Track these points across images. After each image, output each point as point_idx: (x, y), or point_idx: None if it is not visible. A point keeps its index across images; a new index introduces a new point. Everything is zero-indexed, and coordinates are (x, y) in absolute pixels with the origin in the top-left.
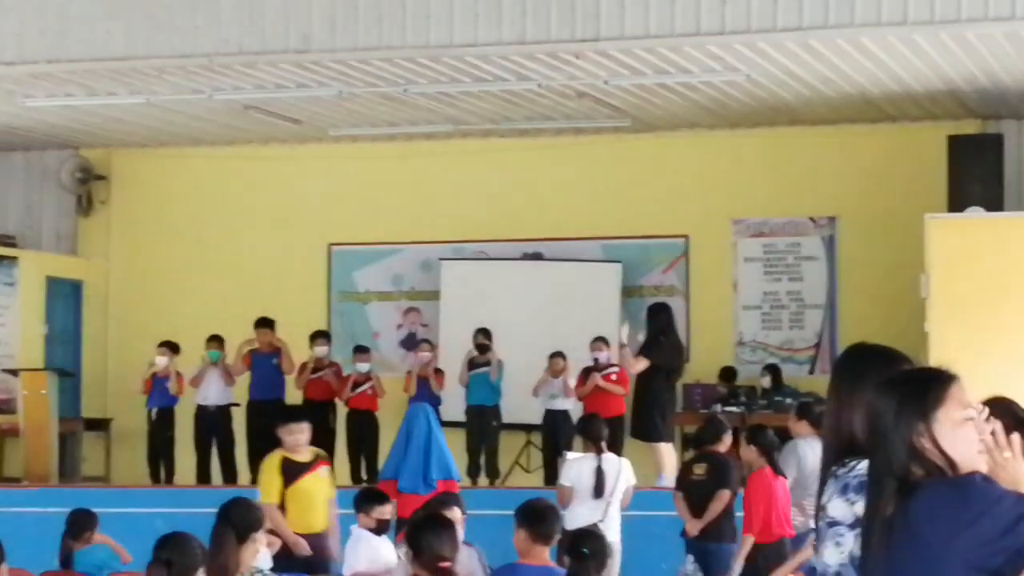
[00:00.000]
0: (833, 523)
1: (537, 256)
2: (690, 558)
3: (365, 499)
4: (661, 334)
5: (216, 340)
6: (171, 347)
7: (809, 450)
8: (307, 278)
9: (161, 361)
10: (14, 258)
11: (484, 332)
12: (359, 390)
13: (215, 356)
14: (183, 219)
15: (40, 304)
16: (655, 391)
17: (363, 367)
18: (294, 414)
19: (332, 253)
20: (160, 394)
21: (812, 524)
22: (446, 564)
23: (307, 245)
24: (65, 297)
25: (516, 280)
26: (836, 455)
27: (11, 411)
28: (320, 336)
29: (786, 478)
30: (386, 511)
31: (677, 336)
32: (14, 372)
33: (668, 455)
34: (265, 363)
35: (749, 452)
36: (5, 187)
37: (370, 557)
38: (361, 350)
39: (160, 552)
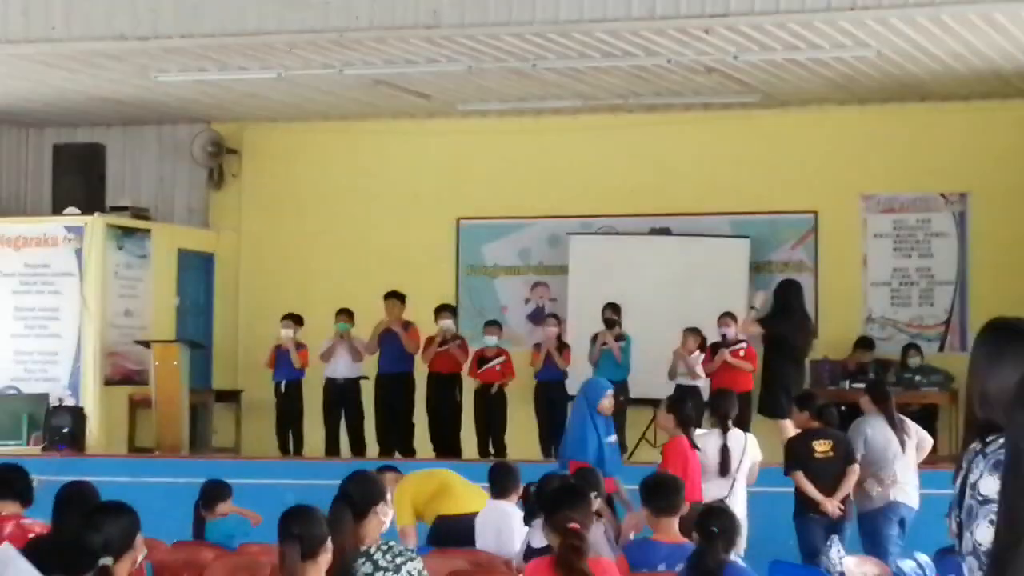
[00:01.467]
0: (986, 500)
1: (665, 231)
2: (835, 538)
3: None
4: (786, 309)
5: (346, 313)
6: (295, 319)
7: (874, 427)
8: (436, 252)
9: (285, 333)
10: (147, 231)
11: (612, 307)
12: (488, 365)
13: (344, 327)
14: (313, 193)
15: (172, 276)
16: (781, 367)
17: (492, 341)
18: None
19: (460, 227)
20: (288, 366)
21: (891, 496)
22: (575, 526)
23: (435, 219)
24: (196, 270)
25: (644, 255)
26: (978, 432)
27: (143, 382)
28: (445, 309)
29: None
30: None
31: (805, 312)
32: (146, 344)
33: (794, 431)
34: (394, 337)
35: (667, 420)
36: (138, 161)
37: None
38: (492, 324)
39: (289, 526)
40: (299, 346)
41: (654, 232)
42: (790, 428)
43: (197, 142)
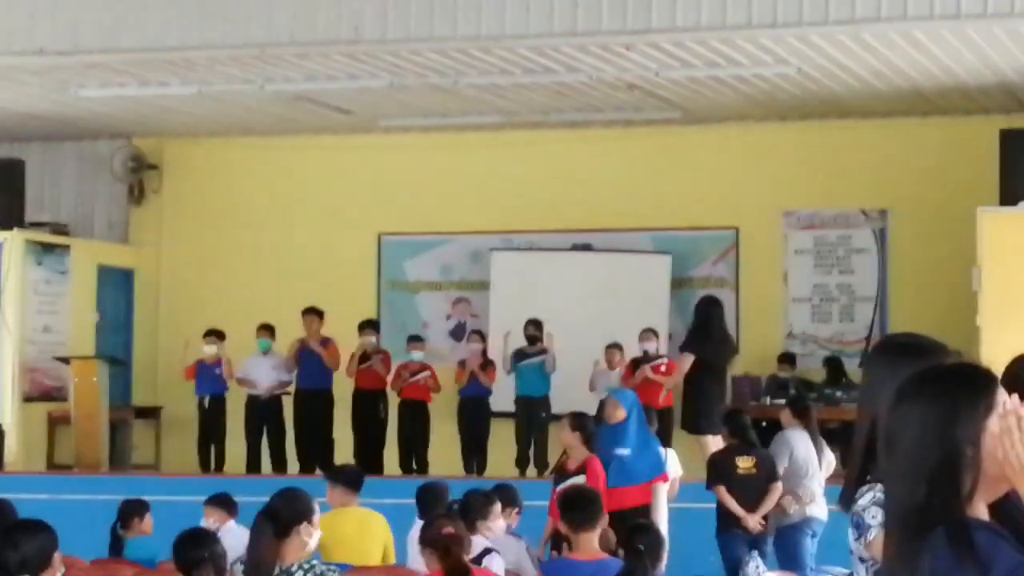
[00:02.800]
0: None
1: (587, 247)
2: (754, 553)
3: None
4: (706, 326)
5: (266, 329)
6: (218, 335)
7: (797, 442)
8: (357, 268)
9: (209, 349)
10: (66, 247)
11: (535, 323)
12: (413, 379)
13: (264, 345)
14: (234, 208)
15: (92, 292)
16: (703, 383)
17: (417, 356)
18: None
19: (382, 243)
20: (211, 381)
21: (807, 512)
22: (449, 530)
23: (357, 235)
24: (116, 285)
25: (566, 271)
26: (859, 469)
27: (62, 399)
28: (367, 325)
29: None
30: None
31: (725, 329)
32: (66, 360)
33: (715, 447)
34: (313, 354)
35: (573, 438)
36: (58, 176)
37: None
38: (415, 339)
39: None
40: (218, 364)
41: (576, 248)
42: (711, 444)
43: (117, 157)
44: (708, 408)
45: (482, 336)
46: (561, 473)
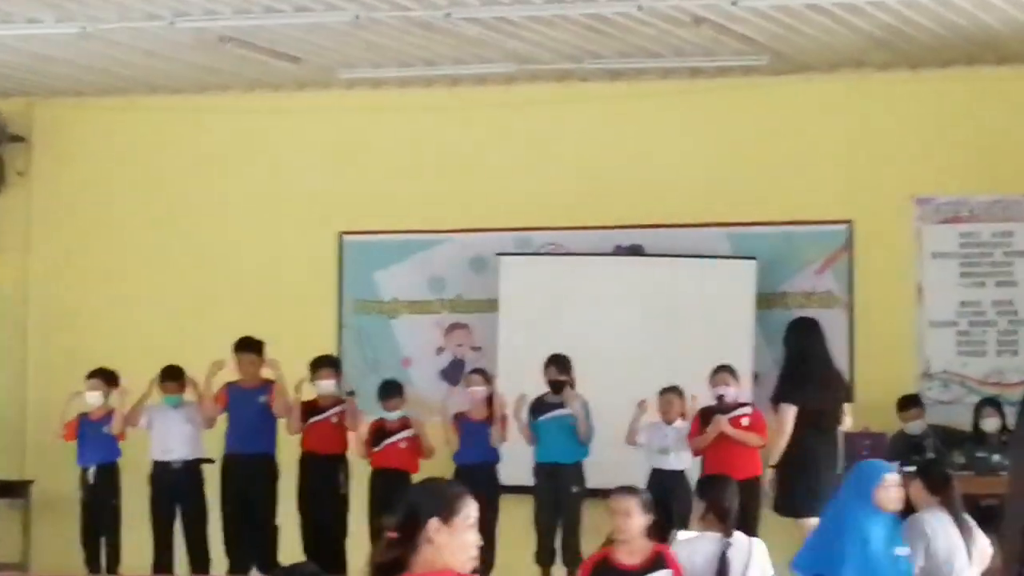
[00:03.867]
0: None
1: (636, 251)
2: None
3: None
4: (799, 360)
5: (173, 377)
6: (106, 377)
7: (935, 528)
8: (309, 281)
9: (94, 398)
10: None
11: (560, 362)
12: (389, 441)
13: (173, 402)
14: (134, 198)
15: None
16: (803, 445)
17: (393, 415)
18: None
19: (344, 245)
20: (97, 444)
21: None
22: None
23: (309, 234)
24: None
25: (605, 285)
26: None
27: None
28: (324, 365)
29: None
30: None
31: (828, 361)
32: None
33: None
34: (249, 402)
35: (636, 523)
36: None
37: None
38: (390, 391)
39: None
40: (105, 418)
41: (620, 252)
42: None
43: None
44: (812, 480)
45: (486, 376)
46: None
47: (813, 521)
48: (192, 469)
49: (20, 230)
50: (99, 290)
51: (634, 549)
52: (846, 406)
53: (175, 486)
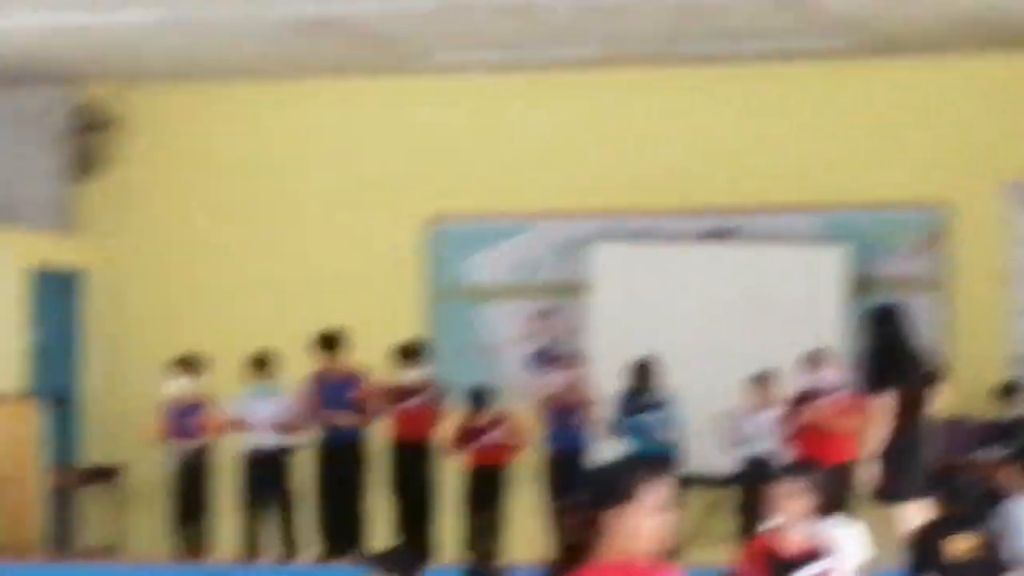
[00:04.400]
0: None
1: (727, 236)
2: None
3: None
4: (891, 348)
5: (261, 364)
6: (189, 365)
7: None
8: (397, 267)
9: (176, 385)
10: None
11: (643, 369)
12: (483, 440)
13: (261, 389)
14: (225, 182)
15: (21, 304)
16: (901, 430)
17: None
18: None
19: (433, 231)
20: (185, 432)
21: None
22: None
23: (395, 220)
24: (57, 294)
25: (697, 270)
26: None
27: None
28: (410, 354)
29: None
30: None
31: (918, 350)
32: None
33: (917, 521)
34: (337, 392)
35: (801, 504)
36: None
37: None
38: (479, 397)
39: None
40: (196, 407)
41: (712, 236)
42: (912, 515)
43: (55, 113)
44: (907, 464)
45: (577, 361)
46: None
47: (909, 506)
48: (281, 456)
49: (111, 217)
50: (190, 274)
51: (794, 536)
52: (936, 389)
53: (265, 473)
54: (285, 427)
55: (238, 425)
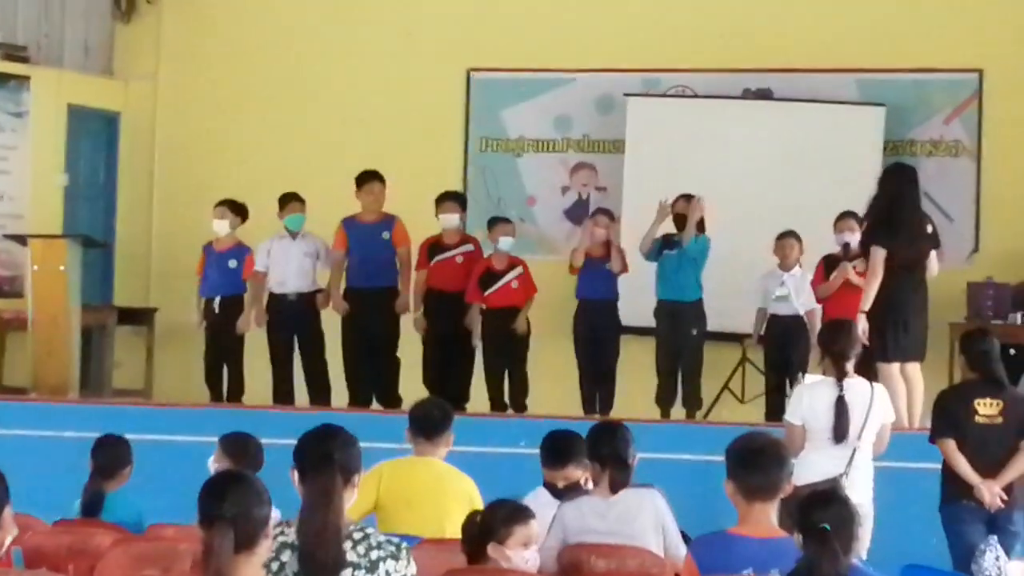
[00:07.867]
0: None
1: (764, 94)
2: (992, 539)
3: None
4: (895, 209)
5: (294, 200)
6: (233, 208)
7: None
8: (436, 118)
9: (220, 227)
10: (25, 78)
11: (687, 199)
12: (500, 283)
13: (295, 222)
14: (264, 28)
15: (59, 144)
16: (893, 289)
17: (505, 244)
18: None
19: (472, 82)
20: (221, 275)
21: None
22: None
23: (437, 71)
24: (95, 135)
25: (733, 128)
26: None
27: (16, 294)
28: (449, 199)
29: None
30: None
31: (919, 213)
32: (21, 239)
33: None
34: (371, 236)
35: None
36: None
37: None
38: (500, 221)
39: (217, 504)
40: (240, 249)
41: (748, 95)
42: (908, 376)
43: None
44: (900, 326)
45: (611, 216)
46: None
47: (895, 367)
48: (308, 301)
49: (149, 58)
50: (227, 121)
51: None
52: (933, 253)
53: (291, 318)
54: (317, 272)
55: (266, 274)
